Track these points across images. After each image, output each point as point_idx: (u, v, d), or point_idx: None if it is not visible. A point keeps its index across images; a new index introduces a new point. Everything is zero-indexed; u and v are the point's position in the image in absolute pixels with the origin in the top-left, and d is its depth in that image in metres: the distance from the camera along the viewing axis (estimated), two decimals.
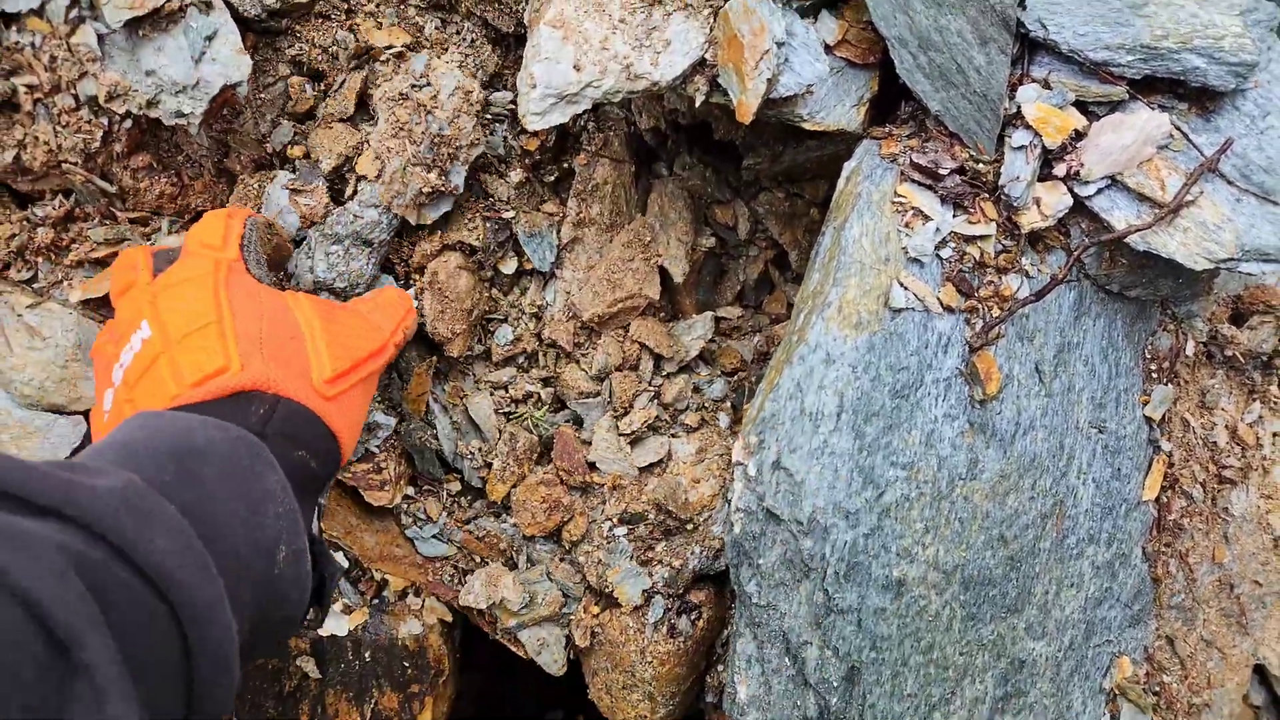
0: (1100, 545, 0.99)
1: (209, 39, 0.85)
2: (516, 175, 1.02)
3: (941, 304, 0.90)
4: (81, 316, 0.90)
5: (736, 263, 1.26)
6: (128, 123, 0.87)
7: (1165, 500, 1.04)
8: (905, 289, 0.89)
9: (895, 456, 0.87)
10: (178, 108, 0.85)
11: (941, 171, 0.91)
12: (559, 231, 1.05)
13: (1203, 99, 0.91)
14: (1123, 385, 1.00)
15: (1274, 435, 1.13)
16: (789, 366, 0.86)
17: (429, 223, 0.96)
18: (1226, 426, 1.09)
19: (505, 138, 1.01)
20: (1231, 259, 0.87)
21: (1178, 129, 0.90)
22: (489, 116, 1.01)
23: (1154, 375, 1.03)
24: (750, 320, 1.23)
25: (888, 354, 0.88)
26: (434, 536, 1.05)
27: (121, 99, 0.85)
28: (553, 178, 1.09)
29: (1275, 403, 1.13)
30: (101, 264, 0.93)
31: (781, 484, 0.85)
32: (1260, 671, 1.42)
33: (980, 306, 0.92)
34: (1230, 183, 0.90)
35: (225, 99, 0.87)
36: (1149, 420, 1.02)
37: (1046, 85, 0.91)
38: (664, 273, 1.13)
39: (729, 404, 1.14)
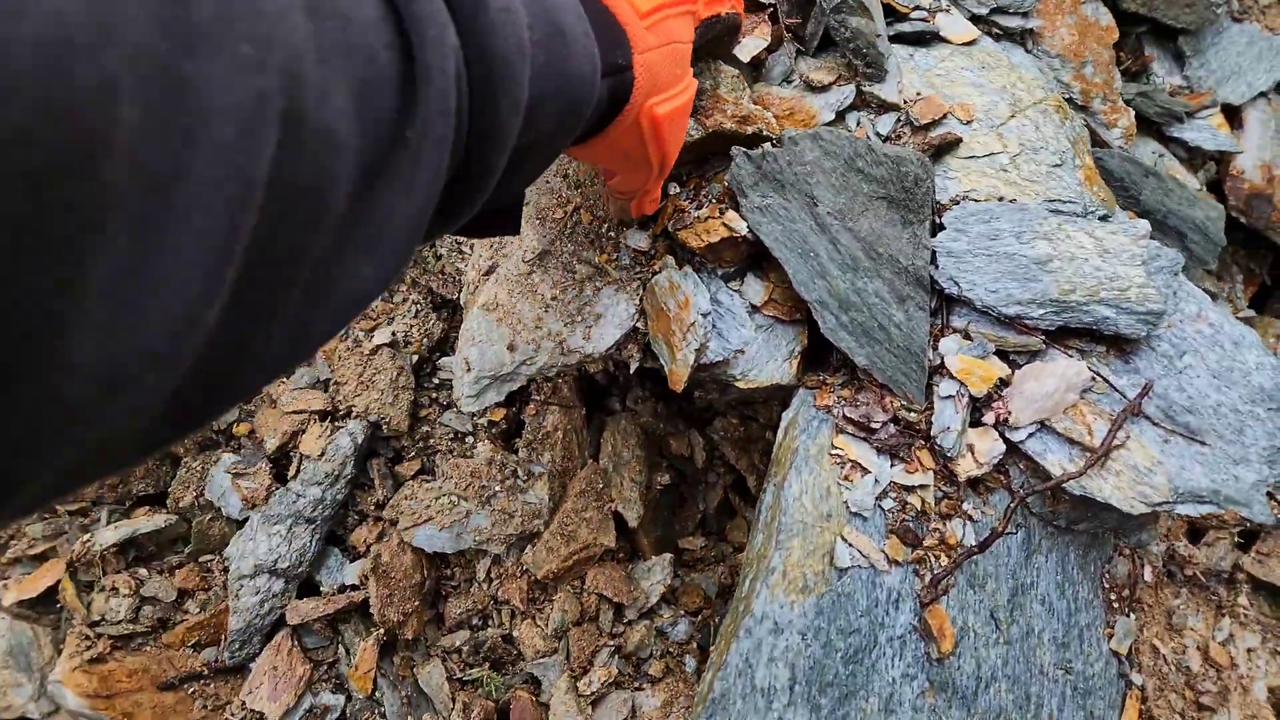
0: None
1: None
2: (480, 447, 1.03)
3: (888, 558, 0.90)
4: (14, 620, 0.88)
5: (696, 490, 1.26)
6: None
7: None
8: (850, 545, 0.89)
9: None
10: None
11: (874, 425, 0.93)
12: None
13: (1120, 344, 0.95)
14: (1084, 620, 0.98)
15: (1248, 651, 1.10)
16: (736, 640, 0.84)
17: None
18: (1198, 648, 1.06)
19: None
20: (1167, 502, 0.87)
21: (1098, 374, 0.93)
22: (435, 381, 1.04)
23: (1115, 606, 1.01)
24: (713, 549, 1.22)
25: (837, 617, 0.86)
26: None
27: None
28: (501, 429, 1.10)
29: (1244, 616, 1.11)
30: (37, 560, 0.91)
31: None
32: None
33: (927, 556, 0.91)
34: (1156, 424, 0.91)
35: None
36: (1116, 654, 0.99)
37: (967, 336, 0.95)
38: (619, 517, 1.13)
39: (695, 644, 1.11)
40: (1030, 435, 0.92)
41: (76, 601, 0.90)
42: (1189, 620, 1.07)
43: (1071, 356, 0.94)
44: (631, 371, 0.95)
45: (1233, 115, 1.29)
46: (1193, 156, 1.23)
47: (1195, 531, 1.13)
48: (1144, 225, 0.96)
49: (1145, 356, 0.95)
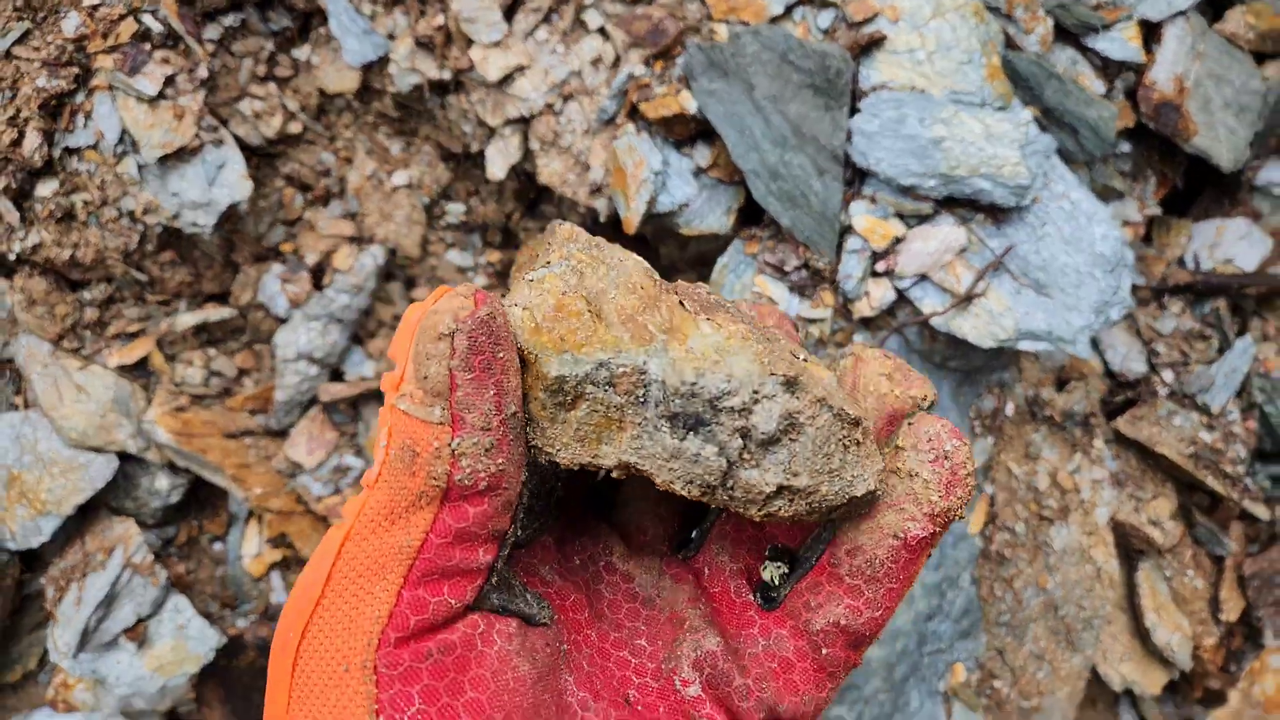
0: (929, 570, 1.21)
1: (220, 168, 1.12)
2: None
3: None
4: (118, 378, 1.15)
5: None
6: (158, 229, 1.14)
7: (989, 534, 1.26)
8: None
9: None
10: (194, 220, 1.12)
11: (787, 268, 1.16)
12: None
13: (996, 212, 1.16)
14: None
15: (1094, 482, 1.35)
16: None
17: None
18: (1049, 474, 1.31)
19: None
20: (1010, 339, 1.11)
21: (975, 236, 1.15)
22: (443, 224, 1.28)
23: (977, 431, 1.26)
24: None
25: None
26: None
27: (153, 213, 1.11)
28: (497, 270, 1.34)
29: (1097, 456, 1.36)
30: (132, 336, 1.18)
31: None
32: (1132, 696, 1.62)
33: None
34: (1014, 278, 1.14)
35: (231, 213, 1.14)
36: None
37: (874, 201, 1.17)
38: None
39: None
40: (914, 284, 1.15)
41: (165, 365, 1.17)
42: (1044, 451, 1.32)
43: (956, 221, 1.15)
44: (601, 220, 1.18)
45: (1153, 30, 1.45)
46: (1107, 67, 1.40)
47: (1061, 382, 1.36)
48: (1026, 115, 1.16)
49: (1015, 224, 1.16)
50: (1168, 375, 1.60)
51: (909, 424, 0.41)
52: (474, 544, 0.37)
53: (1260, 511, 1.55)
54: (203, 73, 1.12)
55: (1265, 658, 1.53)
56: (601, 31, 1.23)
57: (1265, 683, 1.52)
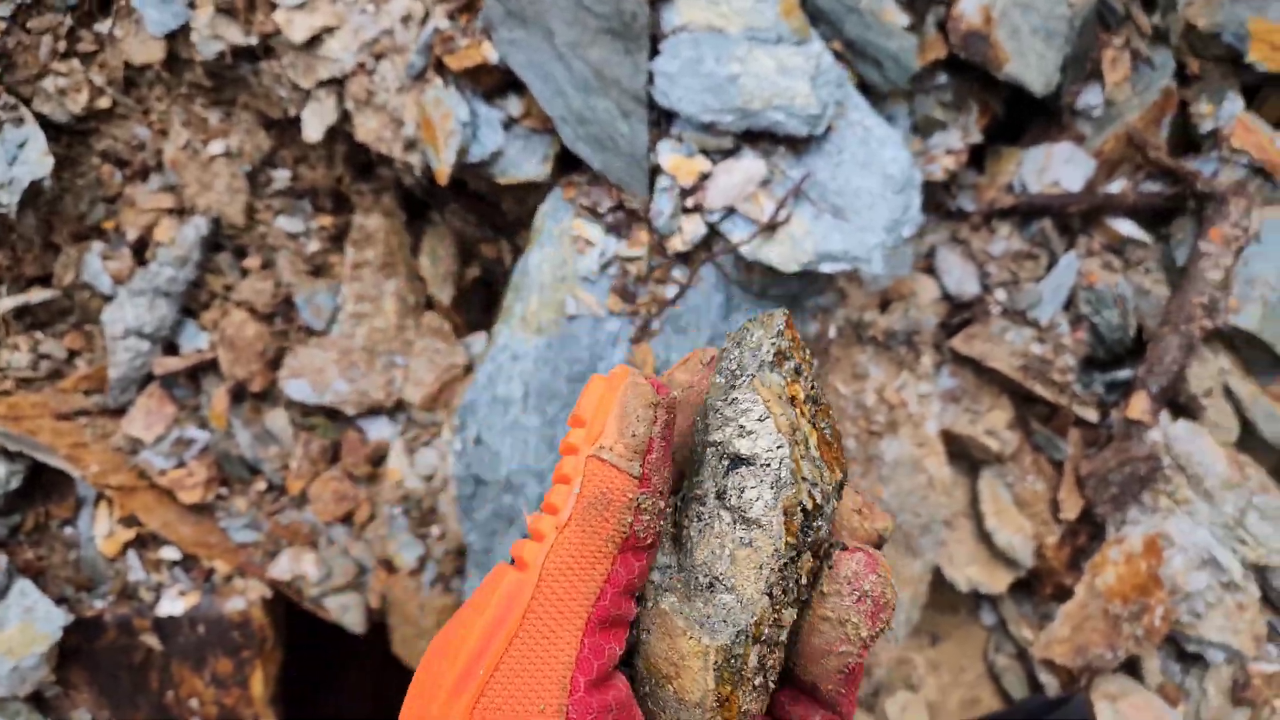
0: None
1: (20, 146, 1.12)
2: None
3: (609, 310, 1.19)
4: None
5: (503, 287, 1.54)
6: None
7: None
8: (578, 300, 1.18)
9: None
10: None
11: (602, 210, 1.20)
12: (339, 292, 1.32)
13: (795, 143, 1.22)
14: None
15: (920, 397, 1.44)
16: (483, 364, 1.14)
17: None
18: (875, 391, 1.39)
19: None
20: (811, 261, 1.17)
21: (777, 167, 1.20)
22: (269, 192, 1.29)
23: None
24: None
25: (564, 350, 1.16)
26: (245, 526, 1.30)
27: None
28: (331, 233, 1.36)
29: (924, 372, 1.44)
30: None
31: (483, 455, 1.13)
32: (991, 600, 1.73)
33: (642, 310, 1.20)
34: (814, 204, 1.20)
35: (35, 190, 1.13)
36: None
37: (679, 140, 1.21)
38: (432, 297, 1.41)
39: None
40: (723, 217, 1.20)
41: None
42: (871, 370, 1.39)
43: (758, 155, 1.20)
44: (417, 174, 1.20)
45: None
46: (914, 1, 1.47)
47: (885, 304, 1.44)
48: (817, 48, 1.21)
49: (814, 153, 1.22)
50: (1000, 294, 1.69)
51: (829, 567, 0.43)
52: (631, 597, 0.40)
53: (1091, 415, 1.66)
54: None
55: (1105, 551, 1.64)
56: None
57: (1106, 574, 1.63)
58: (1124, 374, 1.70)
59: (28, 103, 1.17)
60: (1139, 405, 1.63)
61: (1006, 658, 1.71)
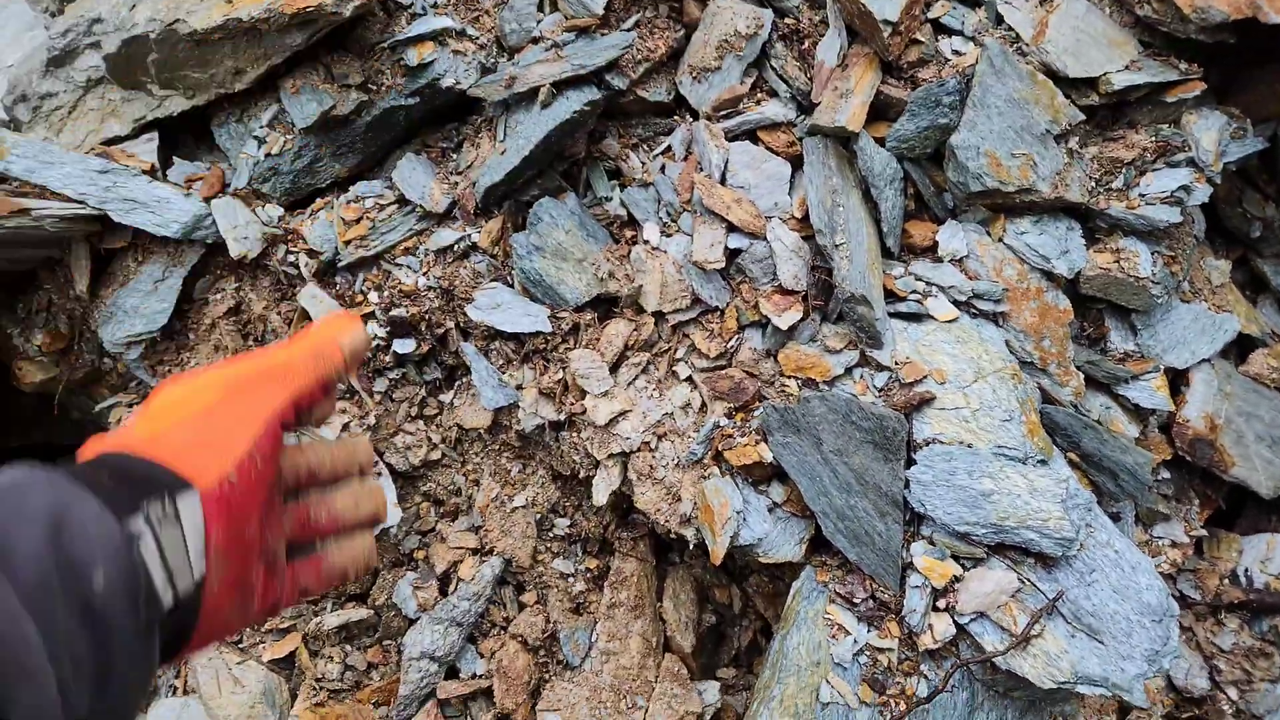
0: None
1: None
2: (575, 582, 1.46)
3: (859, 699, 1.25)
4: (269, 672, 1.33)
5: (733, 630, 1.63)
6: None
7: None
8: (831, 686, 1.25)
9: None
10: None
11: (856, 600, 1.30)
12: (593, 629, 1.46)
13: (1045, 558, 1.30)
14: None
15: None
16: None
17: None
18: None
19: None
20: (1069, 681, 1.20)
21: (1027, 579, 1.28)
22: (550, 536, 1.48)
23: None
24: (743, 679, 1.58)
25: None
26: None
27: None
28: (593, 575, 1.52)
29: None
30: (284, 633, 1.37)
31: None
32: None
33: (890, 701, 1.26)
34: (1067, 622, 1.25)
35: (380, 533, 1.36)
36: None
37: (931, 542, 1.32)
38: (671, 640, 1.52)
39: None
40: (972, 620, 1.27)
41: (309, 662, 1.35)
42: None
43: (1007, 565, 1.29)
44: (691, 546, 1.36)
45: (1181, 374, 1.64)
46: (1140, 409, 1.58)
47: (1123, 710, 1.42)
48: (1065, 472, 1.33)
49: (1064, 569, 1.29)
50: (1232, 693, 1.62)
51: None
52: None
53: None
54: (371, 419, 1.39)
55: None
56: (690, 380, 1.48)
57: None
58: None
59: (382, 456, 1.43)
60: None
61: None
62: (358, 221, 1.53)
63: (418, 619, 1.40)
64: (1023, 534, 1.28)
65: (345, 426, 1.36)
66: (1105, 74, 1.56)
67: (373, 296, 1.48)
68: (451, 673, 1.42)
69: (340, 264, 1.51)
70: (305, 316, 1.47)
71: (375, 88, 1.57)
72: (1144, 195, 1.55)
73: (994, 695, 1.31)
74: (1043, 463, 1.36)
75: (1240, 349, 1.75)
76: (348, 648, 1.40)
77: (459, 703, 1.40)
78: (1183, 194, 1.53)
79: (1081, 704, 1.37)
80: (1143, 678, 1.21)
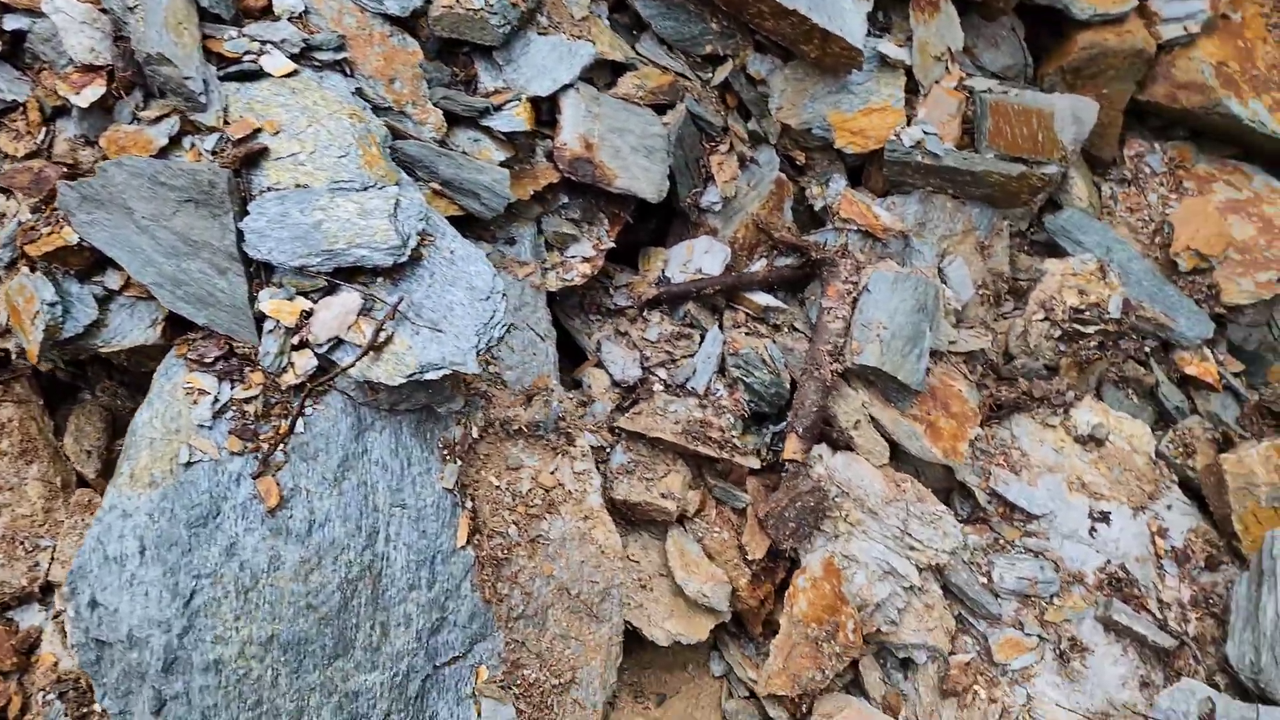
0: (422, 589, 1.34)
1: None
2: None
3: (229, 451, 1.25)
4: None
5: None
6: None
7: (479, 543, 1.42)
8: (193, 448, 1.23)
9: (197, 570, 1.18)
10: None
11: (210, 360, 1.28)
12: None
13: (390, 273, 1.36)
14: (416, 471, 1.38)
15: (577, 475, 1.57)
16: (89, 528, 1.16)
17: None
18: (531, 478, 1.51)
19: None
20: (415, 373, 1.29)
21: (374, 296, 1.34)
22: None
23: (446, 457, 1.43)
24: None
25: (181, 498, 1.20)
26: None
27: None
28: None
29: (575, 456, 1.58)
30: None
31: (101, 617, 1.13)
32: (717, 648, 1.83)
33: (265, 446, 1.27)
34: (412, 323, 1.33)
35: None
36: (447, 490, 1.41)
37: (279, 285, 1.32)
38: (80, 474, 1.42)
39: None
40: (332, 347, 1.31)
41: None
42: (525, 460, 1.51)
43: (358, 288, 1.33)
44: (15, 358, 1.24)
45: (555, 105, 1.78)
46: (514, 138, 1.70)
47: (529, 398, 1.58)
48: (393, 190, 1.38)
49: (410, 279, 1.36)
50: (661, 373, 1.89)
51: None
52: None
53: (752, 463, 1.85)
54: None
55: (795, 580, 1.80)
56: (5, 191, 1.32)
57: (799, 602, 1.78)
58: (784, 423, 1.92)
59: None
60: (791, 446, 1.84)
61: (739, 701, 1.80)
62: None
63: None
64: (355, 253, 1.32)
65: None
66: None
67: None
68: None
69: None
70: None
71: None
72: None
73: (383, 415, 1.38)
74: (382, 189, 1.40)
75: (614, 72, 1.93)
76: None
77: None
78: None
79: (488, 401, 1.49)
80: (475, 350, 1.33)
